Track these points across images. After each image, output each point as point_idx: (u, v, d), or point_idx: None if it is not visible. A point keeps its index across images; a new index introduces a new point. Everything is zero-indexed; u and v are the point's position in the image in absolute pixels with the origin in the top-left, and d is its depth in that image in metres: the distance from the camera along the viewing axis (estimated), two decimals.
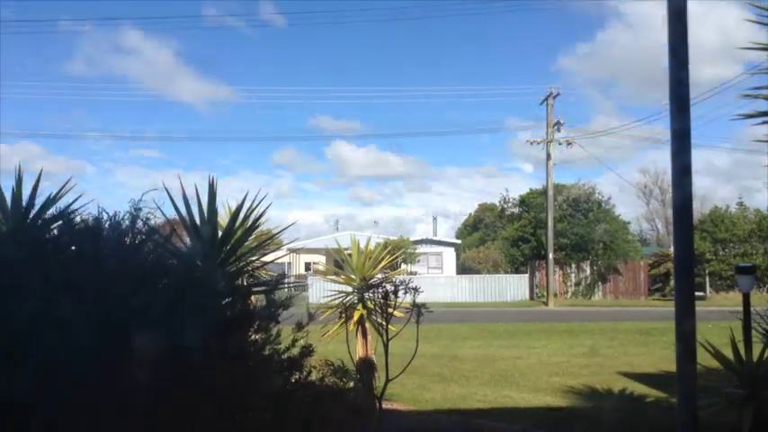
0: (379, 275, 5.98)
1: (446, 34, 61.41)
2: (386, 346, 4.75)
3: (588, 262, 30.94)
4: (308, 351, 3.28)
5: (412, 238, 32.69)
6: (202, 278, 2.98)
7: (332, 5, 60.11)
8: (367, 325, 5.70)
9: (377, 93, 66.91)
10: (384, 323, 4.74)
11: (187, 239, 4.66)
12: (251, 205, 5.02)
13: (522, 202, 35.20)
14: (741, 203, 32.34)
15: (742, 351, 4.60)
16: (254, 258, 5.21)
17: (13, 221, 4.06)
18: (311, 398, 3.35)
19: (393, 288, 4.77)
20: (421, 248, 32.34)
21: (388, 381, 4.79)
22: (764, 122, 4.72)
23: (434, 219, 43.49)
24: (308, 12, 59.80)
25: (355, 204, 77.11)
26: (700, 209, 31.89)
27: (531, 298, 30.00)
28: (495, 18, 60.44)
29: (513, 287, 30.60)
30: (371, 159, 73.21)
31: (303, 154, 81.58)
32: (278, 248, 6.39)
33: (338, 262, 6.82)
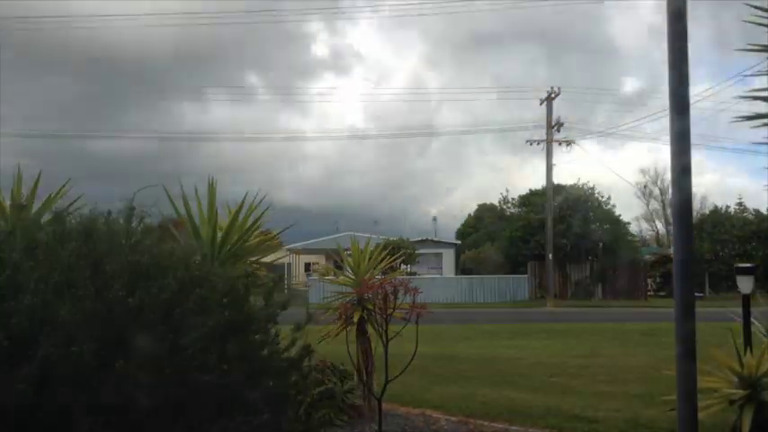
0: (379, 276, 5.97)
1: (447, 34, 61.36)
2: (385, 347, 4.75)
3: (588, 262, 30.92)
4: (307, 352, 3.27)
5: (412, 239, 32.67)
6: (201, 278, 2.97)
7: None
8: (367, 326, 5.69)
9: (375, 93, 66.76)
10: (384, 324, 4.74)
11: (186, 239, 4.66)
12: (251, 206, 5.02)
13: (522, 202, 35.21)
14: (741, 204, 32.39)
15: (742, 351, 4.61)
16: (253, 259, 5.22)
17: (11, 221, 4.06)
18: (311, 398, 3.34)
19: (393, 289, 4.77)
20: (421, 249, 32.30)
21: (387, 381, 4.79)
22: (764, 125, 4.72)
23: (434, 219, 43.49)
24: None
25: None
26: (700, 209, 31.92)
27: (531, 299, 29.98)
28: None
29: (512, 288, 30.58)
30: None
31: None
32: (278, 249, 6.39)
33: (338, 263, 6.82)
